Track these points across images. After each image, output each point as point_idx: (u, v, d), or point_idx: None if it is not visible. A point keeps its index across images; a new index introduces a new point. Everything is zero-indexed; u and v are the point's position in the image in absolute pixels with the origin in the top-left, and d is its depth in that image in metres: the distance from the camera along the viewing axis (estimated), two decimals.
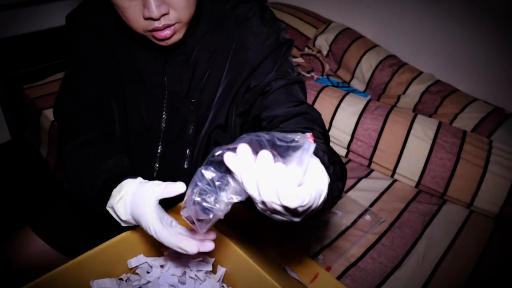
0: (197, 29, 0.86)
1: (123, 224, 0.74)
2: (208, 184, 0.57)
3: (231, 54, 0.88)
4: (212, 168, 0.58)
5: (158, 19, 0.73)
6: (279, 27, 0.89)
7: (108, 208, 0.73)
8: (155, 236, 0.67)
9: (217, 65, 0.89)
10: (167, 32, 0.75)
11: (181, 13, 0.74)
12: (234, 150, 0.53)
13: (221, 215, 0.59)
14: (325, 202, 0.57)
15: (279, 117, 0.84)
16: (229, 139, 0.97)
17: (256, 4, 0.89)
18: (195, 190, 0.58)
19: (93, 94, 0.96)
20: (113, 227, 1.02)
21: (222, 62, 0.89)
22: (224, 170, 0.57)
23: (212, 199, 0.58)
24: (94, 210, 0.79)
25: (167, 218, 0.71)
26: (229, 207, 0.58)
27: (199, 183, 0.58)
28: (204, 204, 0.58)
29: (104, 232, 1.08)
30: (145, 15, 0.71)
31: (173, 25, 0.75)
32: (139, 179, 0.75)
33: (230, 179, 0.56)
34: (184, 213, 0.61)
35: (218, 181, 0.57)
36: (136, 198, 0.70)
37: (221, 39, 0.88)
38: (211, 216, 0.58)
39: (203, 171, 0.57)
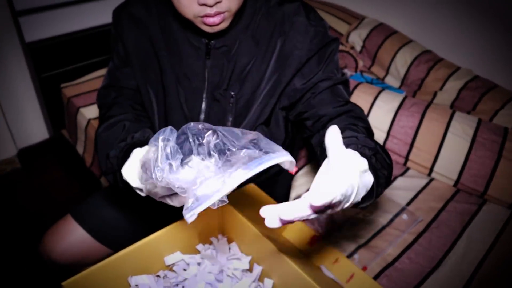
0: (239, 22, 0.89)
1: (142, 194, 0.73)
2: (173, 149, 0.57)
3: (277, 52, 0.90)
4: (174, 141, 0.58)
5: (211, 6, 0.76)
6: (325, 26, 0.91)
7: (124, 178, 0.74)
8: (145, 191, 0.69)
9: (260, 59, 0.91)
10: (216, 19, 0.79)
11: (232, 2, 0.78)
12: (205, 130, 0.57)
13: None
14: (371, 190, 0.61)
15: (324, 117, 0.88)
16: (272, 133, 0.99)
17: (301, 3, 0.92)
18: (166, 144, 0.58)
19: (133, 87, 1.01)
20: (148, 217, 1.04)
21: (266, 57, 0.90)
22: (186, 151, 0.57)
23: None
24: (120, 183, 0.80)
25: None
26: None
27: (169, 142, 0.58)
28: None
29: (141, 223, 1.11)
30: (200, 1, 0.75)
31: (223, 13, 0.79)
32: (147, 147, 0.76)
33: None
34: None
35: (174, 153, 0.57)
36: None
37: (265, 34, 0.90)
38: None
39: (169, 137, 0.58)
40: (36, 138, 2.33)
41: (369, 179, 0.59)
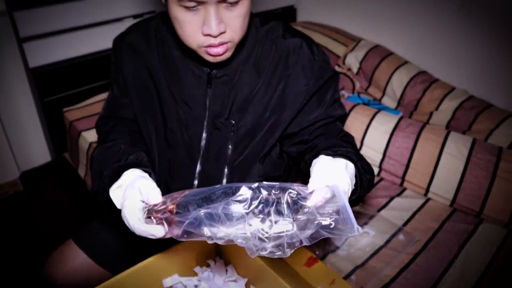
0: (241, 53, 0.91)
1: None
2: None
3: (283, 85, 0.92)
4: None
5: (216, 36, 0.77)
6: (327, 61, 0.94)
7: (111, 198, 0.76)
8: (131, 227, 0.70)
9: (263, 90, 0.93)
10: (220, 49, 0.80)
11: (235, 33, 0.80)
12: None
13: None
14: (355, 191, 0.75)
15: (316, 147, 0.89)
16: (272, 161, 1.01)
17: (303, 37, 0.94)
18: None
19: (131, 117, 1.03)
20: (148, 240, 1.06)
21: (270, 88, 0.93)
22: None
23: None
24: (108, 202, 0.80)
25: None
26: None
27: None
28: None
29: (141, 248, 1.12)
30: (204, 31, 0.77)
31: (226, 43, 0.80)
32: (138, 171, 0.79)
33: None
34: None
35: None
36: (127, 190, 0.73)
37: (268, 65, 0.92)
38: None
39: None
40: (38, 161, 2.36)
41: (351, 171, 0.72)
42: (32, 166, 2.35)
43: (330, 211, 0.60)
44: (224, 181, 0.99)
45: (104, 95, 2.19)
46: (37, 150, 2.33)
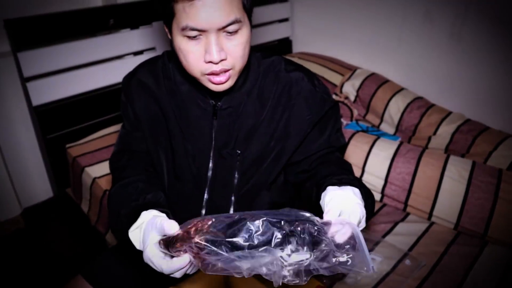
0: (243, 86, 0.95)
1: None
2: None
3: (287, 115, 0.96)
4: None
5: (217, 63, 0.82)
6: (328, 93, 0.98)
7: (130, 239, 0.78)
8: (158, 269, 0.70)
9: (268, 120, 0.96)
10: (222, 78, 0.84)
11: (236, 60, 0.84)
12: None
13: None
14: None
15: (317, 175, 0.91)
16: (276, 189, 1.04)
17: (304, 71, 0.98)
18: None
19: (144, 150, 1.05)
20: (159, 274, 1.06)
21: (275, 119, 0.96)
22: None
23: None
24: (125, 240, 0.82)
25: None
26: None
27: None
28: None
29: (152, 281, 1.12)
30: (206, 59, 0.81)
31: (228, 70, 0.84)
32: (156, 212, 0.81)
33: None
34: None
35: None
36: (146, 231, 0.75)
37: (272, 96, 0.96)
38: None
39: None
40: (40, 197, 2.36)
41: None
42: (34, 202, 2.35)
43: (347, 247, 0.62)
44: (231, 209, 1.01)
45: (106, 131, 2.21)
46: (39, 187, 2.34)
